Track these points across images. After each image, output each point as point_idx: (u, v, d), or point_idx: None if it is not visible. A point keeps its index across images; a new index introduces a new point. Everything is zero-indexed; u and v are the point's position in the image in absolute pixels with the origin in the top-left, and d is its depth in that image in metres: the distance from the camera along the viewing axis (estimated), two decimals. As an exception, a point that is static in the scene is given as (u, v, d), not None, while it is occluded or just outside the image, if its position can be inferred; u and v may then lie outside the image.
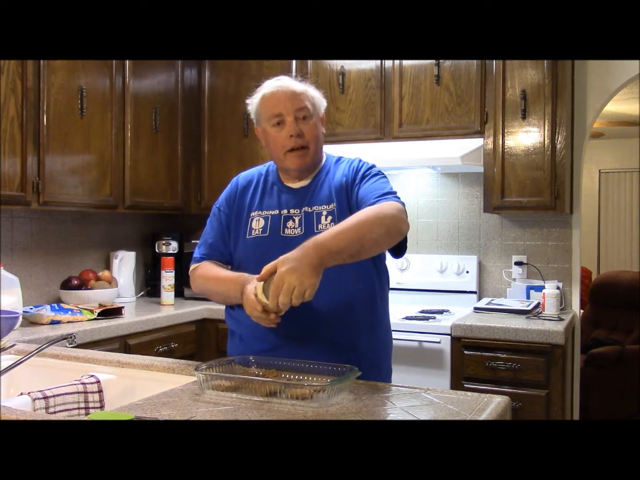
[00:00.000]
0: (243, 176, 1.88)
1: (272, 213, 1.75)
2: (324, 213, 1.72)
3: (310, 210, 1.73)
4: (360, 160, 1.82)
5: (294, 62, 3.41)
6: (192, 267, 1.84)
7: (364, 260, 1.65)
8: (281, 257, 1.42)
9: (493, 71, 3.02)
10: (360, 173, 1.75)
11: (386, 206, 1.59)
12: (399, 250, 1.67)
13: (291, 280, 1.38)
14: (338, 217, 1.68)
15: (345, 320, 1.68)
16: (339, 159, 1.84)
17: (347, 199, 1.73)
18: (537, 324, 2.76)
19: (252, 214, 1.78)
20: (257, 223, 1.75)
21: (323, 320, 1.66)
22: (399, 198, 1.65)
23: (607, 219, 8.27)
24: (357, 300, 1.70)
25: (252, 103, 1.78)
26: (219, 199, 1.88)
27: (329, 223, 1.69)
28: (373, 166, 1.79)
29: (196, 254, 1.84)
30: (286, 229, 1.72)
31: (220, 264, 1.81)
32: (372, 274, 1.75)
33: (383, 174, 1.77)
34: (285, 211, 1.75)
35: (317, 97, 1.78)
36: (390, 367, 1.82)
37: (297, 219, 1.72)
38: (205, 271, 1.79)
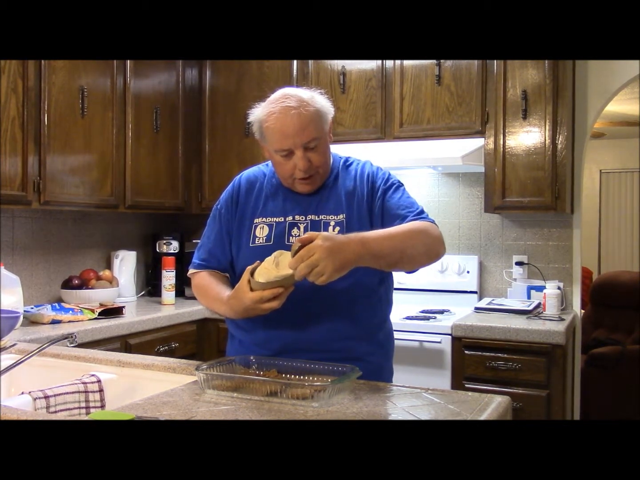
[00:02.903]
0: (245, 177, 1.82)
1: (277, 220, 1.71)
2: (332, 223, 1.68)
3: (317, 219, 1.69)
4: (371, 165, 1.78)
5: (294, 62, 3.42)
6: (190, 271, 1.82)
7: (371, 269, 1.63)
8: (326, 234, 1.44)
9: (494, 71, 3.02)
10: (380, 184, 1.71)
11: (431, 228, 1.62)
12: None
13: (319, 257, 1.39)
14: (347, 227, 1.66)
15: (346, 329, 1.66)
16: (346, 161, 1.79)
17: (359, 209, 1.69)
18: (538, 324, 2.76)
19: (256, 220, 1.73)
20: (261, 231, 1.71)
21: (323, 328, 1.64)
22: (428, 215, 1.68)
23: (608, 219, 8.26)
24: (359, 308, 1.68)
25: (256, 119, 1.69)
26: (220, 199, 1.83)
27: (336, 234, 1.64)
28: (390, 174, 1.76)
29: (195, 257, 1.82)
30: (291, 237, 1.68)
31: (218, 272, 1.78)
32: (377, 281, 1.73)
33: (402, 183, 1.75)
34: (290, 218, 1.70)
35: (325, 112, 1.67)
36: (392, 369, 1.81)
37: (302, 227, 1.69)
38: (200, 284, 1.78)
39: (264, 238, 1.70)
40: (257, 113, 1.69)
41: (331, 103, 1.73)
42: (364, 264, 1.48)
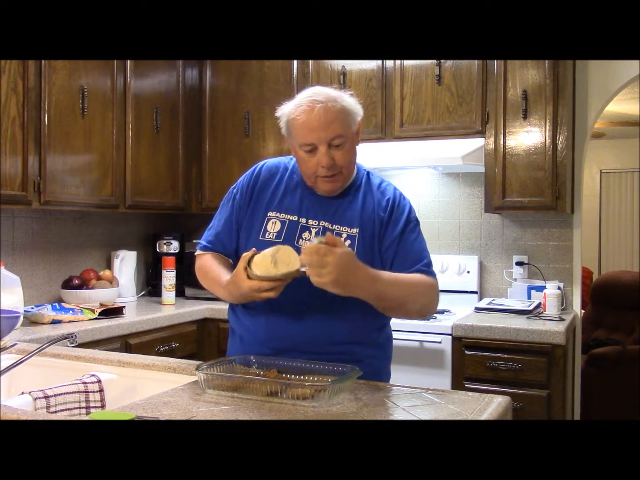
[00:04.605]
0: (267, 167, 1.80)
1: (290, 218, 1.70)
2: (344, 235, 1.67)
3: (330, 227, 1.68)
4: (395, 190, 1.76)
5: (295, 62, 3.41)
6: (197, 251, 1.83)
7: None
8: (351, 250, 1.49)
9: (494, 71, 3.02)
10: (398, 215, 1.71)
11: (434, 288, 1.67)
12: None
13: (331, 262, 1.41)
14: (358, 243, 1.66)
15: (346, 332, 1.66)
16: (369, 176, 1.78)
17: (372, 229, 1.68)
18: (538, 324, 2.76)
19: (270, 213, 1.72)
20: (273, 226, 1.70)
21: (325, 330, 1.64)
22: (433, 270, 1.71)
23: (608, 219, 8.26)
24: (362, 311, 1.66)
25: (283, 114, 1.68)
26: (238, 182, 1.82)
27: (356, 258, 1.64)
28: (411, 208, 1.75)
29: (203, 238, 1.82)
30: (301, 240, 1.68)
31: (222, 256, 1.79)
32: None
33: (418, 222, 1.75)
34: (303, 220, 1.70)
35: (353, 112, 1.65)
36: (390, 372, 1.81)
37: (313, 231, 1.68)
38: (203, 267, 1.79)
39: (275, 234, 1.69)
40: (285, 108, 1.68)
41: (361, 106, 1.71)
42: (362, 297, 1.53)
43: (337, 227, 1.69)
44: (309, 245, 1.45)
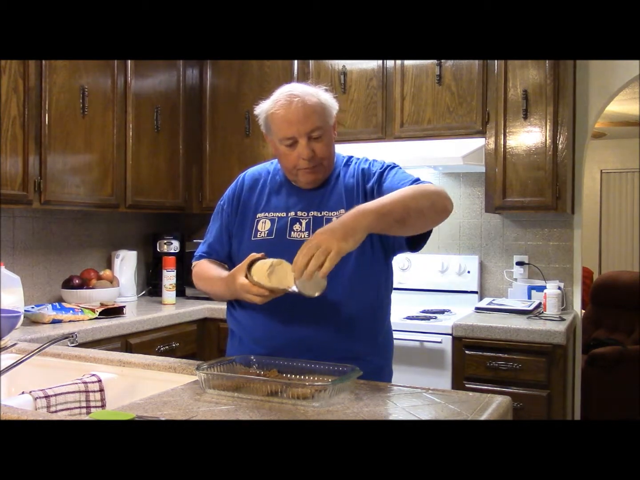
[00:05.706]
0: (249, 174, 1.85)
1: (279, 215, 1.73)
2: (334, 219, 1.65)
3: (319, 215, 1.70)
4: (366, 159, 1.80)
5: (295, 62, 3.42)
6: (192, 264, 1.86)
7: (376, 269, 1.68)
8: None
9: (495, 71, 3.02)
10: (374, 170, 1.73)
11: (428, 185, 1.60)
12: (418, 242, 1.64)
13: (319, 239, 1.39)
14: None
15: (346, 330, 1.66)
16: (348, 161, 1.80)
17: (358, 203, 1.65)
18: (538, 324, 2.76)
19: (259, 215, 1.75)
20: (263, 225, 1.73)
21: (323, 329, 1.64)
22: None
23: (609, 219, 8.26)
24: (361, 310, 1.68)
25: (262, 111, 1.71)
26: (224, 195, 1.87)
27: None
28: (384, 161, 1.78)
29: (198, 250, 1.86)
30: (292, 232, 1.69)
31: (218, 262, 1.81)
32: (382, 282, 1.73)
33: (396, 164, 1.76)
34: (292, 213, 1.72)
35: (329, 106, 1.70)
36: (391, 370, 1.81)
37: (304, 222, 1.70)
38: (199, 271, 1.82)
39: (266, 232, 1.72)
40: (263, 106, 1.72)
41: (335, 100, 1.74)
42: (370, 227, 1.44)
43: (326, 213, 1.71)
44: (294, 263, 1.41)
